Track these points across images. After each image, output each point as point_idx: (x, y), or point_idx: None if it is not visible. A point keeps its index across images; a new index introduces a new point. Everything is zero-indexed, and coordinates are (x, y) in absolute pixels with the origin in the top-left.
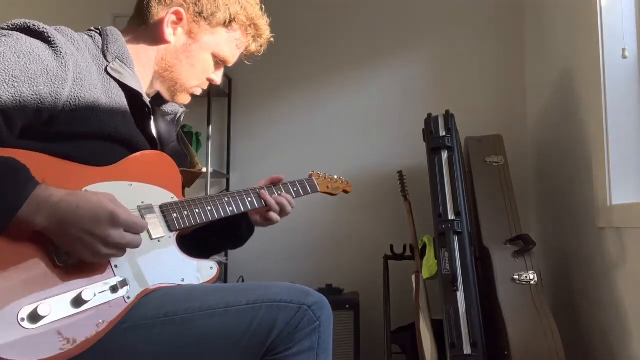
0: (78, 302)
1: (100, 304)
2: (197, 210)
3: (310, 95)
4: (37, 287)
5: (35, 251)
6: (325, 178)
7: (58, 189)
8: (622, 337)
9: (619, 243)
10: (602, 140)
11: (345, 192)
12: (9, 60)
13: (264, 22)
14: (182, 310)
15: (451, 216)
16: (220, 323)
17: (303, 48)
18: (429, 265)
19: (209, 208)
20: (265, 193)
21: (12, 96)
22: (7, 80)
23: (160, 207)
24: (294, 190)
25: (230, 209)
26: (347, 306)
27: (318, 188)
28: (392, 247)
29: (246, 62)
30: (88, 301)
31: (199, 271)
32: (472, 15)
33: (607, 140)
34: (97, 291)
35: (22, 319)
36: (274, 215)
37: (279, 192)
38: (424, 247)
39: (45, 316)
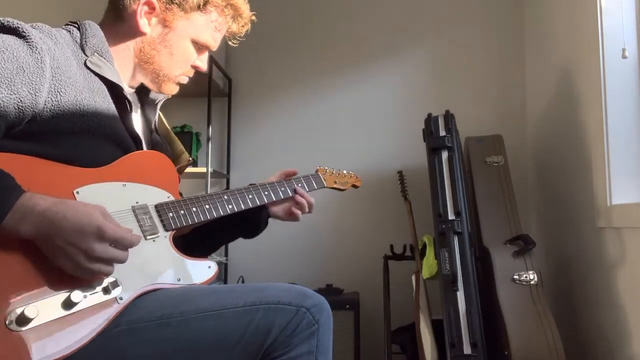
0: (68, 304)
1: (91, 306)
2: (194, 209)
3: (310, 95)
4: (25, 290)
5: (24, 254)
6: (332, 173)
7: (45, 197)
8: (621, 336)
9: (619, 243)
10: (602, 140)
11: (355, 186)
12: None
13: (241, 1)
14: (177, 313)
15: (451, 216)
16: (216, 326)
17: (303, 48)
18: (429, 265)
19: (207, 206)
20: (301, 190)
21: None
22: None
23: (156, 206)
24: (298, 186)
25: (230, 207)
26: (347, 306)
27: (324, 183)
28: (392, 247)
29: (230, 42)
30: (77, 303)
31: (197, 271)
32: (472, 15)
33: (607, 140)
34: (87, 293)
35: (10, 322)
36: (298, 213)
37: (282, 188)
38: (424, 247)
39: (32, 318)
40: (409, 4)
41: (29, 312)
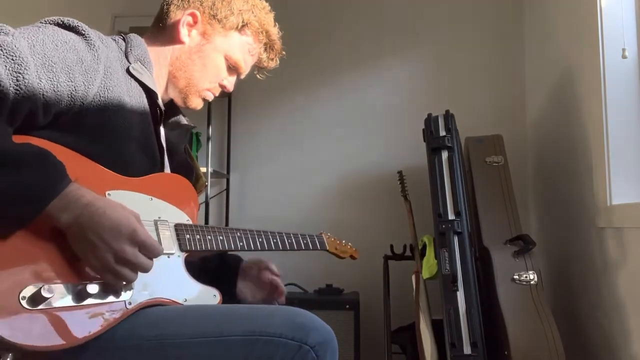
0: (81, 295)
1: (102, 303)
2: (209, 237)
3: (311, 96)
4: (45, 271)
5: (52, 238)
6: (334, 240)
7: (90, 191)
8: (622, 337)
9: (619, 243)
10: (602, 140)
11: (353, 257)
12: (48, 47)
13: (275, 32)
14: (172, 335)
15: (451, 216)
16: (211, 355)
17: (303, 48)
18: (429, 265)
19: (221, 238)
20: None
21: (50, 81)
22: (46, 66)
23: (175, 225)
24: (303, 243)
25: (241, 244)
26: (347, 306)
27: (327, 247)
28: (392, 247)
29: (258, 75)
30: (91, 295)
31: (202, 296)
32: (472, 15)
33: (607, 140)
34: (101, 289)
35: (23, 298)
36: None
37: (289, 240)
38: (424, 247)
39: (47, 298)
40: (409, 4)
41: (44, 291)
